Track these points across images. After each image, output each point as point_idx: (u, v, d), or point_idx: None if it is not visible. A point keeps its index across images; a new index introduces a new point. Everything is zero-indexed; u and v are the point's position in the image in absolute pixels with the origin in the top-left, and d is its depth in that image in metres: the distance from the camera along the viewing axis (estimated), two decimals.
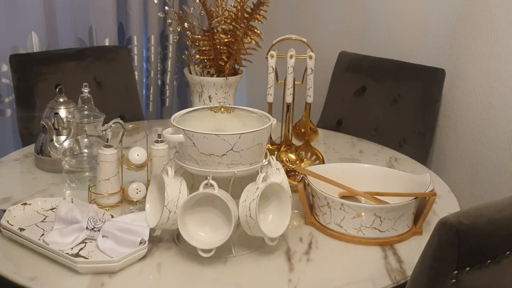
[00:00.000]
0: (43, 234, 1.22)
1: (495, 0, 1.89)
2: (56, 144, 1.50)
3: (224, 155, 1.14)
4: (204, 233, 1.17)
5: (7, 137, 2.34)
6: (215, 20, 1.63)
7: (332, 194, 1.30)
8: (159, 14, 2.03)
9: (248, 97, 3.04)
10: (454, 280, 0.91)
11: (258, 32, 1.63)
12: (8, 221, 1.25)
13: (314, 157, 1.59)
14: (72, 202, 1.31)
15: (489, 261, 0.94)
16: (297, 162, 1.54)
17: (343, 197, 1.37)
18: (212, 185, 1.14)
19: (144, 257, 1.17)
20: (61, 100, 1.64)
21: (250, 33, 1.62)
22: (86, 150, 1.53)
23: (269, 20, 1.64)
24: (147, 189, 1.34)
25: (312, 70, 1.50)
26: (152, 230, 1.19)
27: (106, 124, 1.43)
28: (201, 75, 1.70)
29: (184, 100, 3.00)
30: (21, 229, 1.23)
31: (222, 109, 1.24)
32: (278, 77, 1.53)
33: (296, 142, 1.61)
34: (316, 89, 1.53)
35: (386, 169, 1.50)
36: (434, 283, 0.92)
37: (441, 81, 2.04)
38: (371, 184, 1.42)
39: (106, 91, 2.21)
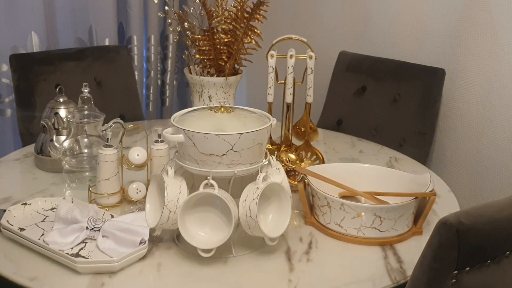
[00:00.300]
0: (43, 234, 1.22)
1: (495, 0, 1.89)
2: (56, 144, 1.50)
3: (224, 155, 1.14)
4: (204, 233, 1.17)
5: (7, 137, 2.34)
6: (215, 20, 1.63)
7: (332, 194, 1.30)
8: (159, 14, 2.03)
9: (248, 97, 3.04)
10: (454, 280, 0.91)
11: (258, 32, 1.63)
12: (8, 221, 1.25)
13: (314, 157, 1.59)
14: (72, 202, 1.31)
15: (489, 261, 0.94)
16: (297, 162, 1.54)
17: (343, 197, 1.37)
18: (212, 185, 1.14)
19: (144, 257, 1.17)
20: (61, 100, 1.64)
21: (250, 33, 1.62)
22: (86, 150, 1.53)
23: (269, 20, 1.64)
24: (147, 189, 1.34)
25: (312, 70, 1.50)
26: (152, 230, 1.19)
27: (106, 124, 1.43)
28: (201, 75, 1.70)
29: (184, 100, 3.00)
30: (21, 229, 1.23)
31: (222, 109, 1.24)
32: (278, 77, 1.53)
33: (296, 142, 1.61)
34: (316, 89, 1.53)
35: (386, 169, 1.50)
36: (434, 283, 0.92)
37: (441, 81, 2.04)
38: (371, 184, 1.42)
39: (106, 91, 2.21)
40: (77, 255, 1.16)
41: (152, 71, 2.72)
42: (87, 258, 1.15)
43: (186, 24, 1.67)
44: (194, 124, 1.18)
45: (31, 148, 1.70)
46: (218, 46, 1.64)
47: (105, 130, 1.43)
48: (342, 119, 2.27)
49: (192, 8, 1.70)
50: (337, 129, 2.21)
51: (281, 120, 1.56)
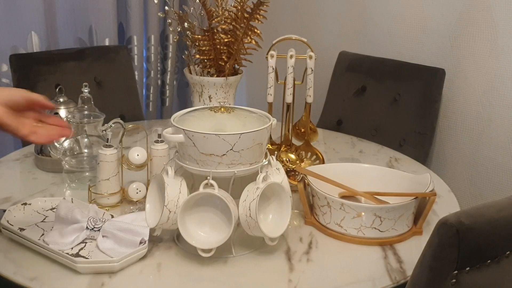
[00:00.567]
0: (43, 234, 1.22)
1: (495, 0, 1.89)
2: (56, 144, 1.50)
3: (224, 155, 1.14)
4: (204, 233, 1.17)
5: (7, 137, 2.34)
6: (215, 20, 1.63)
7: (332, 194, 1.30)
8: (159, 14, 2.03)
9: (248, 97, 3.04)
10: (454, 280, 0.91)
11: (258, 32, 1.63)
12: (8, 221, 1.25)
13: (314, 157, 1.59)
14: (72, 202, 1.31)
15: (489, 261, 0.94)
16: (297, 162, 1.54)
17: (343, 197, 1.37)
18: (212, 185, 1.14)
19: (144, 257, 1.17)
20: (61, 100, 1.64)
21: (250, 33, 1.62)
22: (86, 150, 1.53)
23: (269, 20, 1.64)
24: (147, 189, 1.34)
25: (312, 70, 1.50)
26: (152, 230, 1.19)
27: (106, 124, 1.43)
28: (201, 75, 1.70)
29: (184, 100, 3.00)
30: (21, 229, 1.23)
31: (222, 109, 1.24)
32: (278, 77, 1.53)
33: (296, 142, 1.61)
34: (316, 89, 1.53)
35: (386, 169, 1.50)
36: (434, 283, 0.92)
37: (441, 81, 2.04)
38: (371, 184, 1.42)
39: (106, 91, 2.21)
40: (77, 255, 1.16)
41: (152, 71, 2.72)
42: (87, 258, 1.15)
43: (186, 24, 1.67)
44: (194, 124, 1.18)
45: (31, 148, 1.71)
46: (218, 46, 1.64)
47: (105, 130, 1.43)
48: (342, 119, 2.27)
49: (192, 8, 1.70)
50: (337, 129, 2.21)
51: (281, 120, 1.56)
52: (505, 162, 1.94)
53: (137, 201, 1.41)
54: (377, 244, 1.26)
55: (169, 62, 2.80)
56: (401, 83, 2.14)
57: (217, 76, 1.68)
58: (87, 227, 1.20)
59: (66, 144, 1.50)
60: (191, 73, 1.71)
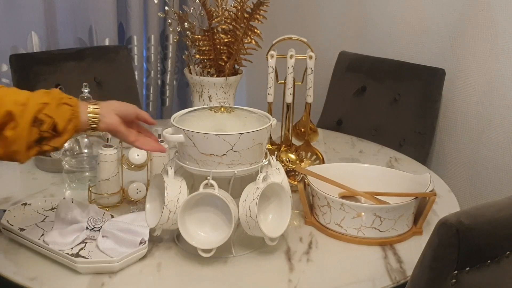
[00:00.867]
0: (43, 234, 1.22)
1: (495, 0, 1.89)
2: None
3: (224, 155, 1.14)
4: (204, 233, 1.17)
5: None
6: (215, 20, 1.63)
7: (332, 194, 1.30)
8: (159, 14, 2.03)
9: (248, 97, 3.04)
10: (454, 280, 0.91)
11: (258, 32, 1.63)
12: (8, 221, 1.25)
13: (314, 157, 1.59)
14: (72, 202, 1.31)
15: (489, 261, 0.94)
16: (297, 162, 1.54)
17: (343, 197, 1.37)
18: (212, 185, 1.14)
19: (144, 257, 1.17)
20: None
21: (250, 33, 1.62)
22: (86, 150, 1.53)
23: (269, 20, 1.64)
24: (147, 189, 1.34)
25: (312, 70, 1.50)
26: (152, 230, 1.19)
27: None
28: (201, 75, 1.70)
29: (184, 100, 3.00)
30: (21, 229, 1.23)
31: (222, 109, 1.24)
32: (278, 77, 1.53)
33: (296, 142, 1.61)
34: (316, 89, 1.53)
35: (386, 169, 1.50)
36: (434, 283, 0.92)
37: (441, 81, 2.04)
38: (371, 184, 1.42)
39: (106, 91, 2.21)
40: (77, 255, 1.16)
41: (152, 71, 2.72)
42: (87, 258, 1.15)
43: (186, 24, 1.67)
44: (194, 124, 1.18)
45: None
46: (218, 46, 1.64)
47: None
48: (342, 119, 2.27)
49: (192, 8, 1.70)
50: (337, 129, 2.21)
51: (281, 120, 1.56)
52: (505, 162, 1.94)
53: (137, 201, 1.41)
54: (377, 244, 1.26)
55: (169, 62, 2.79)
56: (401, 83, 2.14)
57: (217, 76, 1.68)
58: (87, 227, 1.20)
59: (66, 144, 1.50)
60: (191, 73, 1.71)
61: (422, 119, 2.06)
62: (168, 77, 2.82)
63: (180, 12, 1.69)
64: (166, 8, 1.73)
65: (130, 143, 1.14)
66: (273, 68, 1.50)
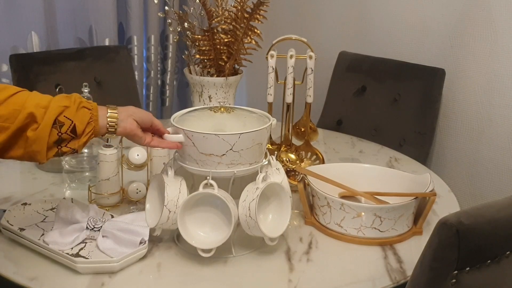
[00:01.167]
0: (43, 234, 1.22)
1: (495, 0, 1.89)
2: None
3: (223, 155, 1.14)
4: (204, 233, 1.17)
5: None
6: (215, 20, 1.63)
7: (332, 194, 1.30)
8: (159, 14, 2.03)
9: (248, 97, 3.04)
10: (454, 280, 0.91)
11: (258, 32, 1.63)
12: (8, 221, 1.25)
13: (314, 157, 1.59)
14: (72, 202, 1.31)
15: (489, 261, 0.94)
16: (297, 162, 1.54)
17: (343, 197, 1.37)
18: (212, 185, 1.14)
19: (144, 257, 1.17)
20: None
21: (250, 33, 1.62)
22: (86, 150, 1.53)
23: (269, 20, 1.64)
24: (147, 189, 1.34)
25: (312, 70, 1.50)
26: (152, 230, 1.19)
27: None
28: (201, 75, 1.70)
29: (184, 100, 3.00)
30: (21, 229, 1.23)
31: (222, 109, 1.24)
32: (278, 77, 1.53)
33: (296, 142, 1.61)
34: (316, 89, 1.53)
35: (386, 169, 1.50)
36: (434, 283, 0.92)
37: (441, 81, 2.04)
38: (371, 184, 1.42)
39: (106, 91, 2.21)
40: (77, 255, 1.16)
41: (152, 71, 2.72)
42: (87, 258, 1.15)
43: (186, 24, 1.67)
44: (194, 124, 1.18)
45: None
46: (218, 46, 1.64)
47: None
48: (342, 119, 2.27)
49: (192, 8, 1.70)
50: (337, 129, 2.21)
51: (281, 120, 1.56)
52: (505, 162, 1.94)
53: (137, 201, 1.41)
54: (377, 244, 1.26)
55: (169, 62, 2.80)
56: (401, 83, 2.14)
57: (217, 76, 1.68)
58: (87, 227, 1.20)
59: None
60: (191, 73, 1.71)
61: (422, 119, 2.06)
62: (168, 77, 2.82)
63: (180, 12, 1.69)
64: (166, 8, 1.73)
65: (146, 144, 1.18)
66: (273, 68, 1.50)
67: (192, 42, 1.67)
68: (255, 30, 1.62)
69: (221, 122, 1.22)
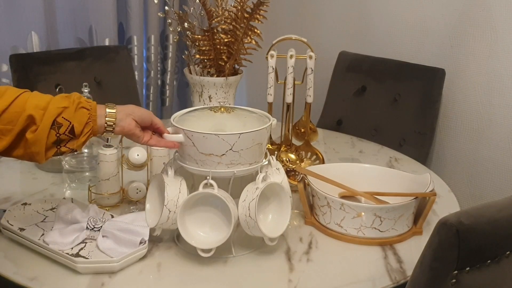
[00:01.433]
0: (43, 234, 1.22)
1: (495, 0, 1.89)
2: None
3: (223, 155, 1.14)
4: (204, 233, 1.17)
5: None
6: (215, 20, 1.63)
7: (332, 194, 1.30)
8: (159, 14, 2.03)
9: (248, 97, 3.04)
10: (454, 280, 0.91)
11: (258, 32, 1.63)
12: (8, 221, 1.25)
13: (314, 157, 1.59)
14: (72, 202, 1.31)
15: (489, 261, 0.94)
16: (297, 162, 1.54)
17: (343, 197, 1.37)
18: (211, 185, 1.14)
19: (144, 257, 1.17)
20: None
21: (250, 33, 1.62)
22: (86, 150, 1.53)
23: (269, 20, 1.64)
24: (147, 189, 1.34)
25: (312, 70, 1.50)
26: (152, 230, 1.19)
27: None
28: (201, 75, 1.70)
29: (184, 100, 3.00)
30: (21, 229, 1.23)
31: (222, 109, 1.24)
32: (278, 77, 1.53)
33: (296, 142, 1.61)
34: (316, 89, 1.53)
35: (386, 169, 1.50)
36: (434, 283, 0.92)
37: (441, 81, 2.04)
38: (371, 184, 1.42)
39: (106, 91, 2.21)
40: (77, 255, 1.16)
41: (152, 71, 2.72)
42: (87, 258, 1.15)
43: (186, 24, 1.67)
44: (194, 124, 1.18)
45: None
46: (218, 46, 1.64)
47: None
48: (342, 119, 2.27)
49: (192, 8, 1.70)
50: (337, 129, 2.21)
51: (281, 120, 1.56)
52: (505, 162, 1.94)
53: (137, 201, 1.41)
54: (377, 244, 1.26)
55: (169, 62, 2.79)
56: (401, 83, 2.14)
57: (217, 76, 1.68)
58: (87, 227, 1.20)
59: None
60: (191, 73, 1.71)
61: (422, 119, 2.06)
62: (168, 77, 2.82)
63: (180, 12, 1.69)
64: (166, 8, 1.73)
65: (144, 143, 1.18)
66: (273, 68, 1.50)
67: (192, 42, 1.67)
68: (255, 30, 1.62)
69: (221, 122, 1.22)
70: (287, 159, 1.53)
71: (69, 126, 1.07)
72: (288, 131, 1.56)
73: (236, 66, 1.71)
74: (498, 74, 1.92)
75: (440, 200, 1.47)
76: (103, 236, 1.19)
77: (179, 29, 1.70)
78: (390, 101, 2.16)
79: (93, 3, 2.45)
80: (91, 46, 2.48)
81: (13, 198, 1.44)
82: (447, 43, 2.07)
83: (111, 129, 1.12)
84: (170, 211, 1.15)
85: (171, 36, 2.73)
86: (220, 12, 1.66)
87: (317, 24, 2.57)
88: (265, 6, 1.57)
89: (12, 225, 1.24)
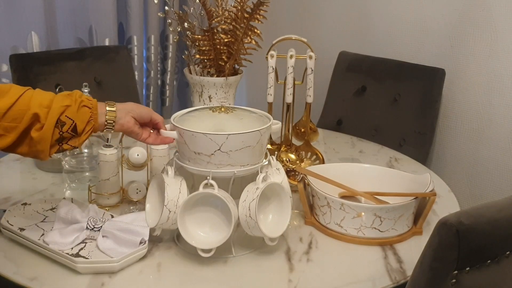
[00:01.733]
0: (43, 234, 1.22)
1: (495, 0, 1.89)
2: None
3: (212, 154, 1.14)
4: (204, 233, 1.17)
5: None
6: (215, 20, 1.63)
7: (332, 194, 1.30)
8: (159, 14, 2.03)
9: (248, 97, 3.04)
10: (454, 280, 0.91)
11: (258, 32, 1.63)
12: (8, 221, 1.25)
13: (314, 157, 1.59)
14: (72, 202, 1.31)
15: (489, 261, 0.94)
16: (297, 162, 1.54)
17: (343, 197, 1.37)
18: (212, 185, 1.14)
19: (144, 257, 1.17)
20: None
21: (250, 33, 1.62)
22: (86, 150, 1.53)
23: (269, 20, 1.64)
24: (147, 189, 1.34)
25: (312, 70, 1.50)
26: (152, 230, 1.19)
27: None
28: (201, 75, 1.70)
29: (184, 100, 3.00)
30: (21, 229, 1.23)
31: (222, 109, 1.24)
32: (278, 77, 1.53)
33: (296, 142, 1.61)
34: (316, 89, 1.53)
35: (386, 169, 1.50)
36: (434, 283, 0.92)
37: (441, 81, 2.04)
38: (371, 184, 1.42)
39: (106, 91, 2.21)
40: (77, 255, 1.16)
41: (152, 71, 2.72)
42: (87, 258, 1.15)
43: (186, 24, 1.67)
44: (194, 124, 1.18)
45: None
46: (218, 46, 1.64)
47: None
48: (342, 119, 2.27)
49: (192, 8, 1.70)
50: (337, 129, 2.21)
51: (281, 120, 1.56)
52: (505, 162, 1.94)
53: (137, 201, 1.41)
54: (377, 244, 1.26)
55: (169, 62, 2.80)
56: (401, 83, 2.14)
57: (217, 76, 1.68)
58: (87, 227, 1.20)
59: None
60: (191, 73, 1.71)
61: (422, 119, 2.06)
62: (168, 77, 2.82)
63: (180, 12, 1.69)
64: (166, 8, 1.73)
65: (142, 140, 1.21)
66: (273, 68, 1.50)
67: (192, 42, 1.67)
68: (255, 30, 1.62)
69: (221, 122, 1.22)
70: (287, 159, 1.53)
71: (72, 124, 1.09)
72: (288, 131, 1.56)
73: (236, 66, 1.71)
74: (498, 74, 1.92)
75: (440, 200, 1.47)
76: (103, 236, 1.19)
77: (179, 29, 1.70)
78: (390, 101, 2.16)
79: (93, 3, 2.45)
80: (91, 46, 2.48)
81: (13, 198, 1.44)
82: (447, 43, 2.07)
83: (111, 127, 1.15)
84: (170, 211, 1.15)
85: (171, 36, 2.73)
86: (220, 12, 1.66)
87: (317, 24, 2.57)
88: (265, 6, 1.57)
89: (12, 225, 1.24)
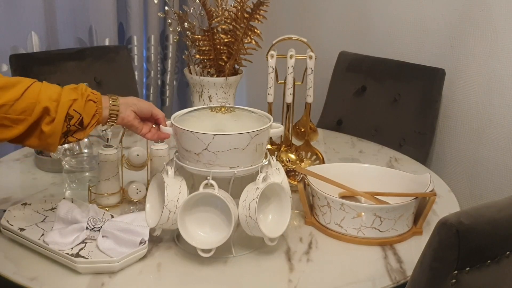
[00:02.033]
0: (43, 234, 1.22)
1: (495, 0, 1.89)
2: None
3: (200, 153, 1.14)
4: (204, 233, 1.17)
5: None
6: (215, 20, 1.63)
7: (332, 194, 1.30)
8: (159, 14, 2.03)
9: (248, 97, 3.04)
10: (454, 280, 0.91)
11: (258, 32, 1.63)
12: (8, 221, 1.25)
13: (314, 157, 1.59)
14: (72, 202, 1.31)
15: (489, 261, 0.94)
16: (297, 162, 1.54)
17: (343, 197, 1.37)
18: (212, 185, 1.14)
19: (144, 257, 1.17)
20: None
21: (250, 33, 1.62)
22: (86, 150, 1.53)
23: (269, 20, 1.64)
24: (147, 189, 1.34)
25: (312, 70, 1.50)
26: (152, 230, 1.19)
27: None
28: (201, 75, 1.70)
29: (184, 100, 3.00)
30: (21, 229, 1.23)
31: (222, 109, 1.24)
32: (278, 77, 1.53)
33: (296, 142, 1.61)
34: (316, 89, 1.53)
35: (386, 169, 1.50)
36: (434, 283, 0.92)
37: (441, 81, 2.04)
38: (371, 184, 1.42)
39: (106, 91, 2.19)
40: (77, 255, 1.16)
41: (152, 71, 2.72)
42: (87, 258, 1.15)
43: (186, 24, 1.67)
44: (194, 124, 1.18)
45: (31, 148, 1.70)
46: (218, 46, 1.64)
47: (105, 130, 1.43)
48: (342, 119, 2.27)
49: (192, 8, 1.70)
50: (337, 129, 2.21)
51: (281, 120, 1.56)
52: (505, 162, 1.94)
53: (137, 201, 1.41)
54: (377, 244, 1.26)
55: (169, 62, 2.80)
56: (401, 83, 2.14)
57: (217, 76, 1.68)
58: (87, 227, 1.20)
59: (66, 144, 1.50)
60: (191, 73, 1.71)
61: (422, 119, 2.06)
62: (168, 77, 2.82)
63: (180, 12, 1.69)
64: (166, 8, 1.74)
65: (142, 135, 1.25)
66: (273, 68, 1.50)
67: (192, 42, 1.67)
68: (255, 30, 1.62)
69: (221, 122, 1.22)
70: (287, 159, 1.53)
71: (79, 118, 1.12)
72: (288, 131, 1.56)
73: (236, 66, 1.71)
74: (498, 74, 1.92)
75: (440, 200, 1.47)
76: (103, 236, 1.19)
77: (179, 29, 1.70)
78: (390, 101, 2.16)
79: (93, 3, 2.45)
80: (91, 46, 2.48)
81: (13, 198, 1.44)
82: (447, 43, 2.07)
83: (114, 120, 1.18)
84: (170, 212, 1.15)
85: (171, 36, 2.73)
86: (220, 12, 1.66)
87: (317, 24, 2.57)
88: (265, 6, 1.57)
89: (12, 225, 1.24)
